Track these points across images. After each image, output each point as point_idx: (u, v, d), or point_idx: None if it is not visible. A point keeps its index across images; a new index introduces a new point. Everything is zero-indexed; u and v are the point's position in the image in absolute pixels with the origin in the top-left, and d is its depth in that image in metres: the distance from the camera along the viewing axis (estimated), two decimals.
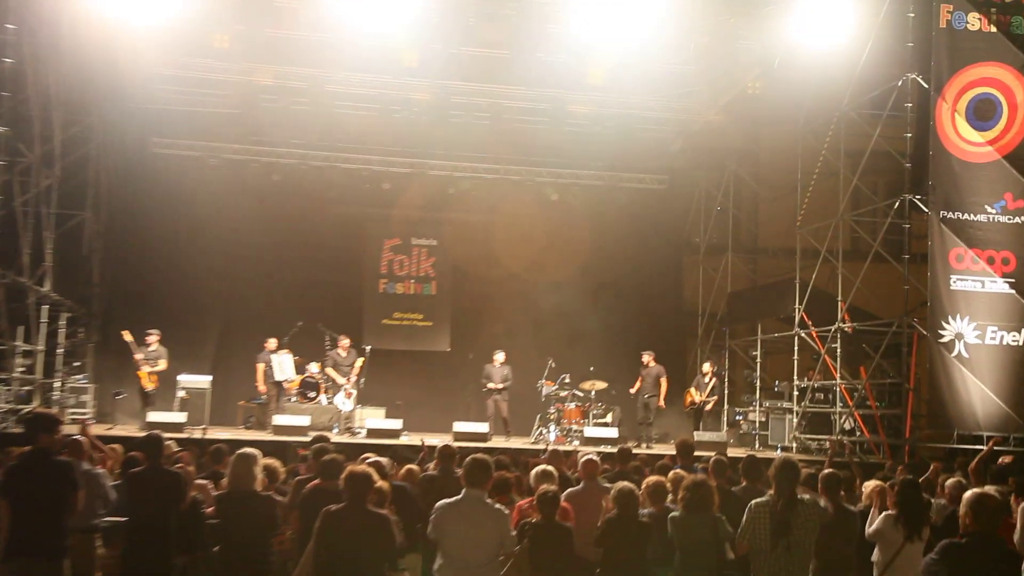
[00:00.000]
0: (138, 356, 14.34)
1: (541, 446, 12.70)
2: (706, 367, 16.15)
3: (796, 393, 15.99)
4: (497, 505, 5.74)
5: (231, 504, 6.17)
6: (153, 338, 14.60)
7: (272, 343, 15.22)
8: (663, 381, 15.52)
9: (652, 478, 6.75)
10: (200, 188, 17.34)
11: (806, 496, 5.94)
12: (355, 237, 18.67)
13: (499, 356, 15.76)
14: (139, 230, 17.18)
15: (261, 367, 15.06)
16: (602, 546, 6.32)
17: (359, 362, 15.00)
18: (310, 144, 17.93)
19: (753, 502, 5.88)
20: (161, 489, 6.39)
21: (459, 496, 5.68)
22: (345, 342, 15.40)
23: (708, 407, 15.92)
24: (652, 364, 15.69)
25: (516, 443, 14.71)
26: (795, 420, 15.70)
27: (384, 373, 16.30)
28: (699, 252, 19.71)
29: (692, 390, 15.97)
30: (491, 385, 15.57)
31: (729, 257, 18.92)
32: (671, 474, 7.25)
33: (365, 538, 5.54)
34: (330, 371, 15.37)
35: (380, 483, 6.25)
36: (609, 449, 12.92)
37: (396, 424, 14.49)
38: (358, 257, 18.81)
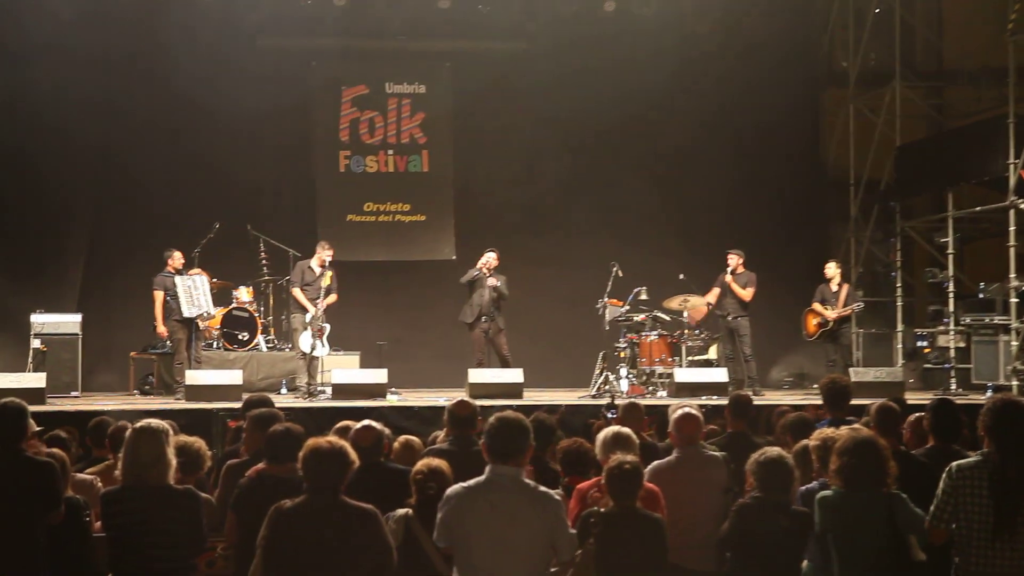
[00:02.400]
0: None
1: (607, 400, 12.73)
2: (831, 268, 16.09)
3: (1015, 301, 15.88)
4: (542, 488, 5.70)
5: (129, 506, 6.20)
6: None
7: (176, 258, 15.17)
8: (748, 289, 15.43)
9: (824, 432, 6.75)
10: (36, 12, 17.07)
11: None
12: (295, 85, 18.59)
13: (489, 257, 15.60)
14: None
15: (160, 296, 15.03)
16: (731, 547, 6.42)
17: (327, 278, 14.98)
18: None
19: (956, 464, 5.91)
20: (22, 490, 6.43)
21: (482, 477, 5.65)
22: (327, 253, 15.21)
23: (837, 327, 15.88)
24: (742, 270, 15.62)
25: (567, 396, 14.76)
26: (1014, 344, 15.63)
27: (354, 298, 16.33)
28: (847, 83, 19.42)
29: (816, 306, 15.94)
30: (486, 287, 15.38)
31: (897, 89, 18.62)
32: (817, 434, 7.23)
33: (342, 548, 5.59)
34: (297, 294, 15.29)
35: (435, 462, 6.29)
36: (716, 400, 12.95)
37: (379, 376, 14.57)
38: (302, 117, 18.74)
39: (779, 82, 18.89)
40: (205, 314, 15.06)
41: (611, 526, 6.09)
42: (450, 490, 5.67)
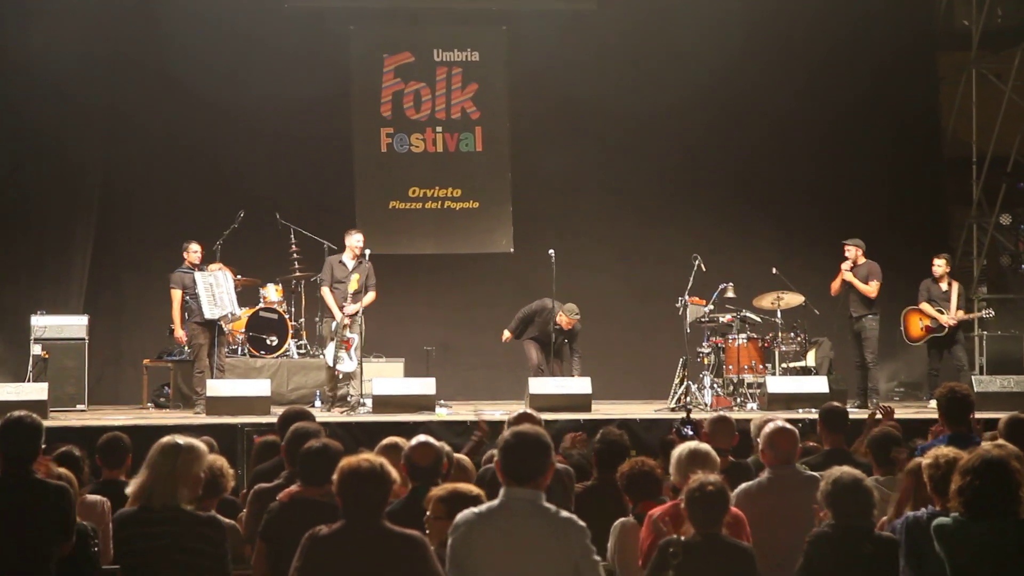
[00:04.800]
0: None
1: (683, 414, 12.70)
2: (940, 264, 15.93)
3: None
4: (565, 513, 5.59)
5: (145, 531, 6.22)
6: None
7: (193, 251, 15.28)
8: (872, 283, 15.36)
9: (943, 451, 6.68)
10: None
11: None
12: (330, 53, 18.71)
13: (566, 318, 15.53)
14: None
15: (178, 295, 15.16)
16: None
17: (354, 282, 14.99)
18: None
19: None
20: (34, 517, 6.50)
21: (495, 502, 5.55)
22: (355, 239, 15.38)
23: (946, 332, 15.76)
24: (862, 261, 15.50)
25: (641, 409, 14.81)
26: None
27: (398, 298, 16.38)
28: (969, 44, 19.25)
29: (925, 306, 15.82)
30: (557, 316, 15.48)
31: None
32: (931, 452, 7.20)
33: None
34: (325, 294, 15.42)
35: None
36: (815, 415, 12.89)
37: (426, 386, 14.65)
38: (338, 90, 18.83)
39: (888, 44, 18.78)
40: (229, 315, 15.07)
41: (693, 557, 6.03)
42: (459, 516, 5.54)
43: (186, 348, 15.45)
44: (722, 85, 18.44)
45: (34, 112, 17.30)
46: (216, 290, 14.89)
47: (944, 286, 15.78)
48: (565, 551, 5.41)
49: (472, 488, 6.21)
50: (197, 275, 14.93)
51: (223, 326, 15.14)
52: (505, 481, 5.49)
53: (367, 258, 15.24)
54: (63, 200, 17.66)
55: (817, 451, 9.00)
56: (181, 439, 6.40)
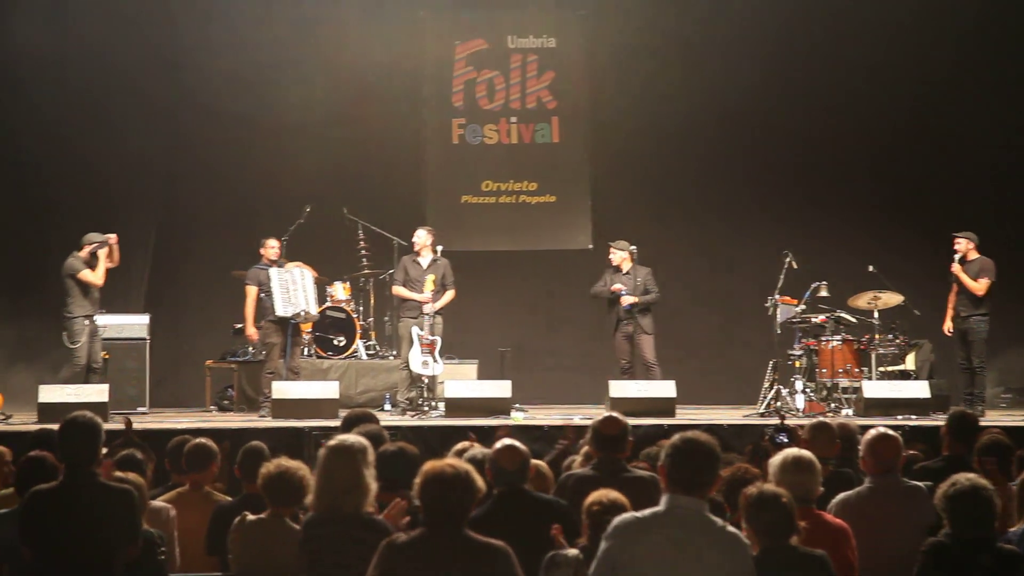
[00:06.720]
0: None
1: (778, 419, 12.60)
2: None
3: None
4: (731, 528, 5.63)
5: (325, 531, 6.26)
6: None
7: (272, 247, 15.26)
8: (981, 281, 15.09)
9: None
10: None
11: None
12: (400, 40, 18.74)
13: (620, 253, 15.57)
14: None
15: (253, 292, 15.13)
16: None
17: (429, 282, 14.92)
18: None
19: None
20: (97, 521, 6.56)
21: (659, 508, 5.60)
22: (416, 236, 15.39)
23: None
24: (974, 256, 15.26)
25: (728, 414, 14.76)
26: None
27: (471, 297, 16.39)
28: None
29: None
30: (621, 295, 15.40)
31: None
32: None
33: None
34: (399, 290, 15.37)
35: (613, 494, 6.25)
36: (915, 422, 12.78)
37: (501, 389, 14.64)
38: (408, 79, 18.90)
39: (994, 13, 18.25)
40: (302, 313, 14.88)
41: (765, 570, 5.86)
42: (619, 519, 5.60)
43: (251, 348, 15.50)
44: (815, 71, 18.35)
45: (94, 108, 17.48)
46: (292, 287, 14.84)
47: None
48: (729, 567, 5.49)
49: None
50: (272, 271, 14.89)
51: (298, 324, 15.04)
52: (670, 488, 5.57)
53: (439, 254, 15.28)
54: (124, 197, 17.76)
55: (918, 459, 8.90)
56: (353, 438, 6.43)
